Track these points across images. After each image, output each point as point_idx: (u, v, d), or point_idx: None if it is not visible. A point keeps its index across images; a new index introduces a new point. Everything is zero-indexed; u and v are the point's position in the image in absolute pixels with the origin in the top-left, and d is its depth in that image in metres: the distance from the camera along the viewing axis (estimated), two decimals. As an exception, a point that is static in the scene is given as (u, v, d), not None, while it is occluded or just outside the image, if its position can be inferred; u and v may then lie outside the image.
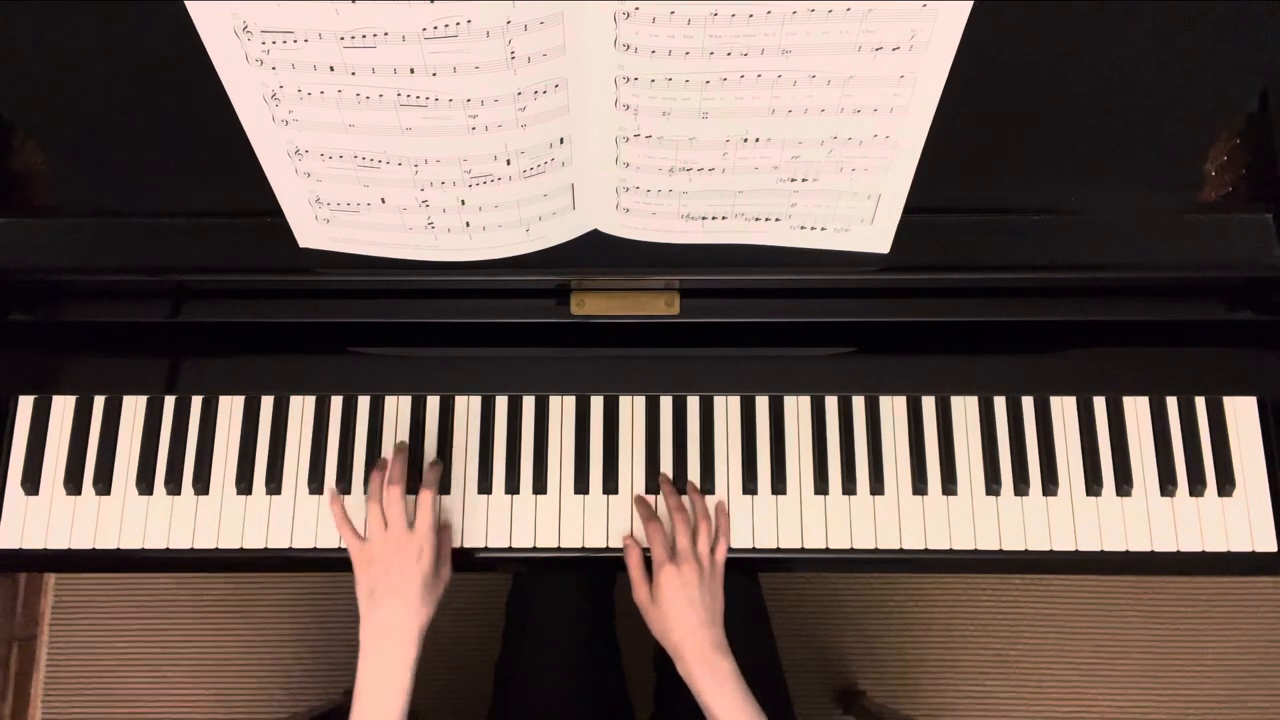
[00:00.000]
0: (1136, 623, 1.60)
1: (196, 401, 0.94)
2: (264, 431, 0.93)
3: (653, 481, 0.92)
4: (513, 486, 0.92)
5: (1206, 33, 0.76)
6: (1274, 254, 0.82)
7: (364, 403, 0.94)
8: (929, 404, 0.93)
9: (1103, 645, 1.59)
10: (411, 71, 0.63)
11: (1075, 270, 0.84)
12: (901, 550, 0.90)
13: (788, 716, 0.99)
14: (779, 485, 0.91)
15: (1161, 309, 0.89)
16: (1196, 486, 0.91)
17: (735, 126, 0.69)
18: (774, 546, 0.91)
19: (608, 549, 0.91)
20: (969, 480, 0.92)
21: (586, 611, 1.03)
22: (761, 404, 0.94)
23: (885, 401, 0.93)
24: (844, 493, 0.92)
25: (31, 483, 0.92)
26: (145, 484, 0.92)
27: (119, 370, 0.93)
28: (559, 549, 0.91)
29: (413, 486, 0.90)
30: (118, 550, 0.91)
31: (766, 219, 0.79)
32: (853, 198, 0.76)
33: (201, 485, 0.92)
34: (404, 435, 0.93)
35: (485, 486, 0.92)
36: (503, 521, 0.91)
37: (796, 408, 0.93)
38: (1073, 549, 0.90)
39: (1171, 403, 0.93)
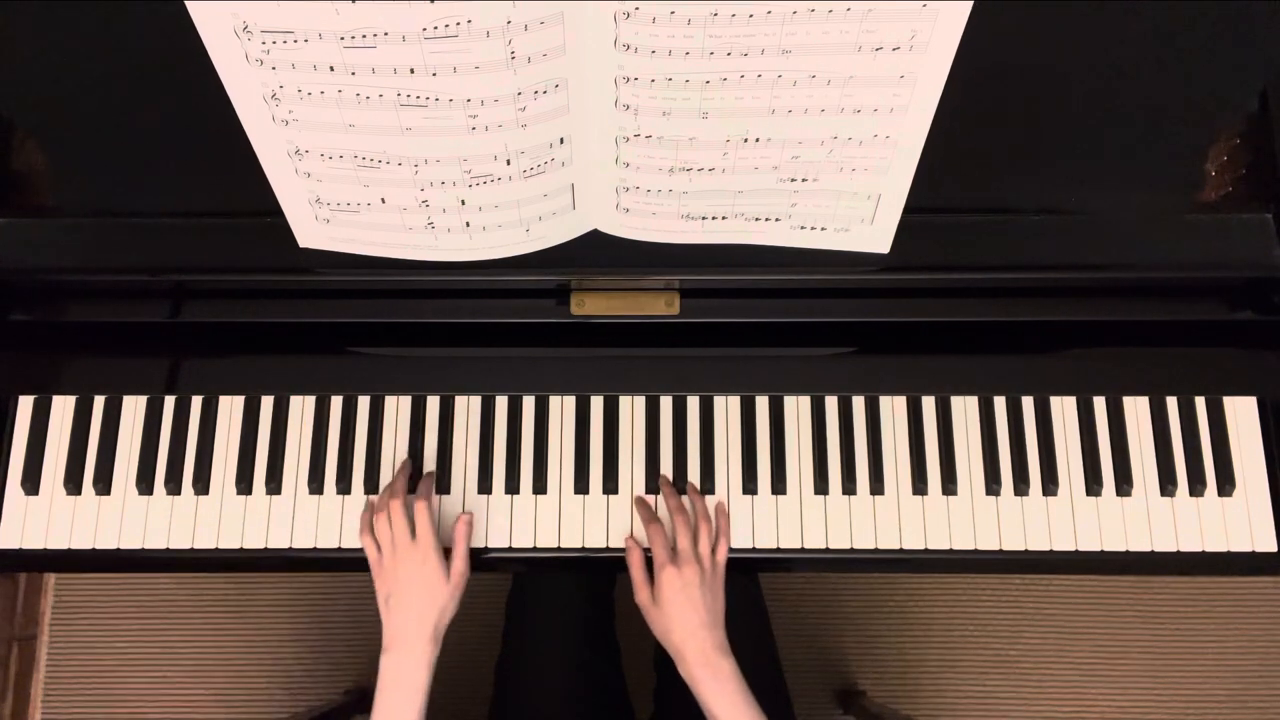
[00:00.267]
0: (1136, 623, 1.60)
1: (196, 401, 0.94)
2: (264, 431, 0.93)
3: (653, 482, 0.92)
4: (513, 486, 0.92)
5: (1206, 33, 0.76)
6: (1274, 254, 0.82)
7: (364, 403, 0.94)
8: (929, 404, 0.93)
9: (1103, 645, 1.59)
10: (411, 71, 0.63)
11: (1075, 270, 0.84)
12: (901, 550, 0.90)
13: (788, 716, 0.99)
14: (779, 485, 0.91)
15: (1161, 309, 0.89)
16: (1196, 486, 0.91)
17: (735, 126, 0.69)
18: (774, 546, 0.91)
19: (608, 549, 0.91)
20: (969, 480, 0.92)
21: (586, 612, 1.03)
22: (761, 404, 0.94)
23: (885, 401, 0.93)
24: (844, 493, 0.92)
25: (31, 483, 0.92)
26: (145, 484, 0.92)
27: (119, 370, 0.93)
28: (559, 549, 0.91)
29: (413, 488, 0.89)
30: (118, 550, 0.91)
31: (766, 219, 0.79)
32: (853, 198, 0.76)
33: (201, 485, 0.92)
34: (404, 435, 0.93)
35: (485, 486, 0.92)
36: (503, 521, 0.91)
37: (796, 408, 0.93)
38: (1073, 549, 0.90)
39: (1171, 403, 0.93)
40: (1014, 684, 1.58)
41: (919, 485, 0.91)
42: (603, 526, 0.91)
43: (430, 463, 0.92)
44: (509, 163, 0.71)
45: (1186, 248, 0.82)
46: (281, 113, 0.68)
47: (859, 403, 0.93)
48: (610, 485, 0.92)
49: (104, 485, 0.92)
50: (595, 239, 0.82)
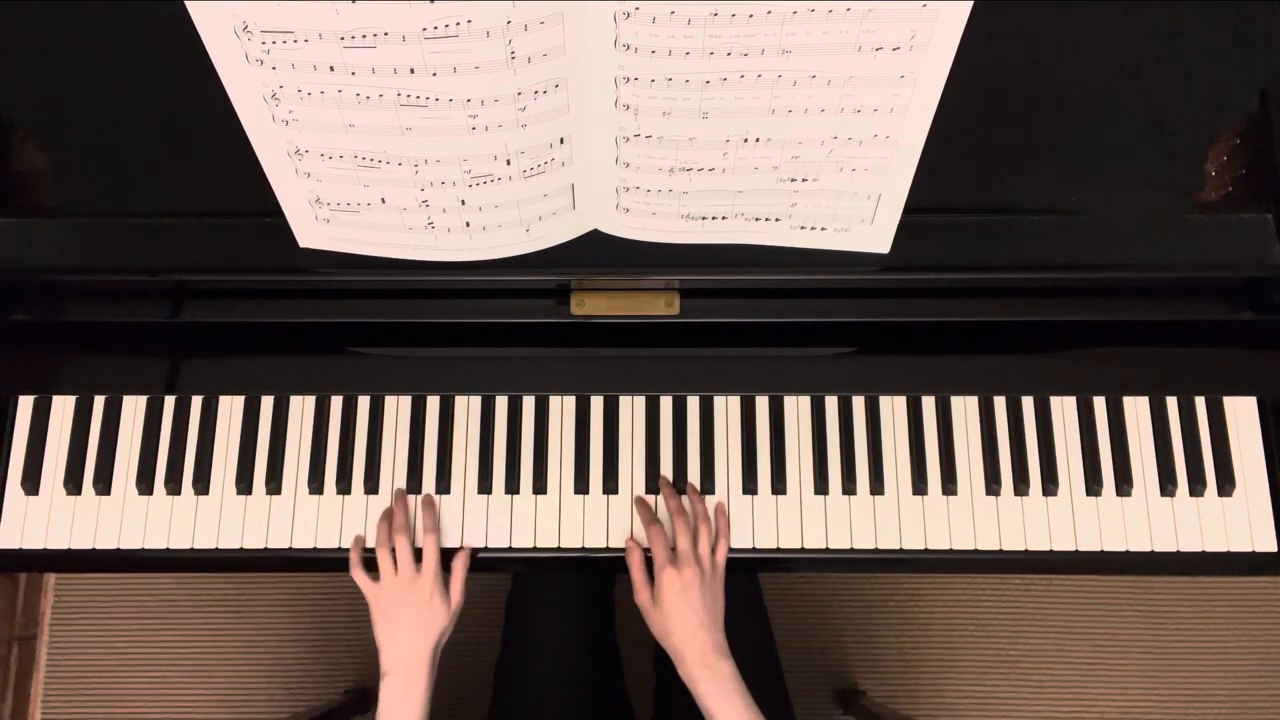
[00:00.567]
0: (1136, 623, 1.60)
1: (196, 401, 0.94)
2: (264, 431, 0.93)
3: (653, 482, 0.92)
4: (513, 486, 0.92)
5: (1206, 33, 0.76)
6: (1274, 254, 0.82)
7: (364, 403, 0.94)
8: (929, 404, 0.93)
9: (1103, 645, 1.59)
10: (411, 71, 0.63)
11: (1075, 270, 0.84)
12: (901, 550, 0.90)
13: (788, 717, 0.99)
14: (779, 485, 0.91)
15: (1161, 309, 0.89)
16: (1196, 486, 0.91)
17: (735, 126, 0.69)
18: (774, 546, 0.91)
19: (608, 549, 0.91)
20: (969, 480, 0.92)
21: (586, 612, 1.03)
22: (761, 404, 0.94)
23: (885, 401, 0.93)
24: (844, 493, 0.92)
25: (31, 483, 0.92)
26: (145, 484, 0.92)
27: (119, 370, 0.93)
28: (559, 549, 0.91)
29: (414, 488, 0.89)
30: (118, 550, 0.91)
31: (766, 219, 0.79)
32: (853, 198, 0.76)
33: (201, 485, 0.92)
34: (404, 435, 0.93)
35: (485, 486, 0.92)
36: (503, 521, 0.91)
37: (796, 408, 0.93)
38: (1073, 549, 0.90)
39: (1171, 403, 0.93)
40: (1014, 684, 1.58)
41: (919, 485, 0.91)
42: (603, 527, 0.91)
43: (430, 463, 0.92)
44: (509, 163, 0.71)
45: (1186, 248, 0.82)
46: (281, 113, 0.68)
47: (859, 403, 0.93)
48: (610, 485, 0.92)
49: (104, 485, 0.92)
50: (595, 239, 0.82)
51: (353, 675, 1.56)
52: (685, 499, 0.90)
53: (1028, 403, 0.93)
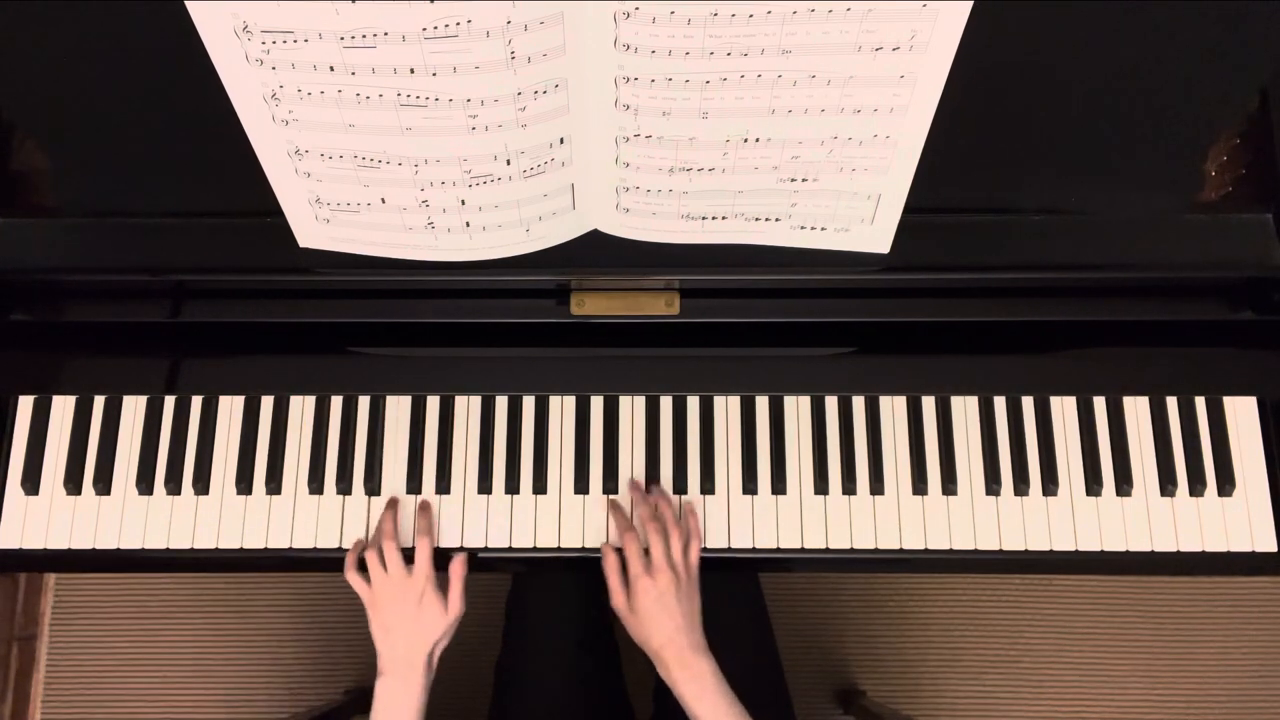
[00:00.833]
0: (1136, 623, 1.60)
1: (196, 401, 0.94)
2: (264, 431, 0.93)
3: (653, 482, 0.92)
4: (513, 486, 0.92)
5: (1206, 33, 0.76)
6: (1274, 254, 0.82)
7: (364, 403, 0.94)
8: (929, 404, 0.93)
9: (1103, 645, 1.59)
10: (411, 71, 0.63)
11: (1075, 270, 0.84)
12: (901, 550, 0.90)
13: (788, 716, 0.99)
14: (779, 485, 0.91)
15: (1161, 309, 0.89)
16: (1196, 486, 0.91)
17: (735, 126, 0.69)
18: (774, 546, 0.91)
19: (608, 549, 0.91)
20: (969, 480, 0.92)
21: (586, 612, 1.03)
22: (761, 404, 0.94)
23: (885, 401, 0.93)
24: (844, 493, 0.92)
25: (31, 483, 0.92)
26: (145, 484, 0.92)
27: (119, 370, 0.93)
28: (559, 549, 0.91)
29: (414, 487, 0.89)
30: (118, 550, 0.91)
31: (766, 219, 0.79)
32: (853, 198, 0.76)
33: (201, 485, 0.92)
34: (404, 435, 0.93)
35: (485, 486, 0.92)
36: (503, 522, 0.91)
37: (796, 408, 0.93)
38: (1073, 549, 0.90)
39: (1171, 403, 0.93)
40: (1014, 684, 1.58)
41: (919, 485, 0.91)
42: (602, 527, 0.91)
43: (430, 463, 0.92)
44: (509, 163, 0.71)
45: (1186, 248, 0.82)
46: (281, 113, 0.68)
47: (859, 403, 0.93)
48: (610, 485, 0.92)
49: (104, 485, 0.92)
50: (595, 239, 0.82)
51: (353, 675, 1.56)
52: (656, 499, 0.90)
53: (1028, 403, 0.93)
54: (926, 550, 0.90)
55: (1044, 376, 0.93)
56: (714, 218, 0.79)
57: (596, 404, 0.94)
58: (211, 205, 0.82)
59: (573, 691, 0.98)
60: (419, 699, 0.82)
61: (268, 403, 0.94)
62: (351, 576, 0.86)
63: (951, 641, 1.59)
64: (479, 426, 0.93)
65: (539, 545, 0.91)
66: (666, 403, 0.94)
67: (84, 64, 0.78)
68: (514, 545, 0.91)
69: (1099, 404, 0.93)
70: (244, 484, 0.92)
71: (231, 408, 0.94)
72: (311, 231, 0.80)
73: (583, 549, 0.91)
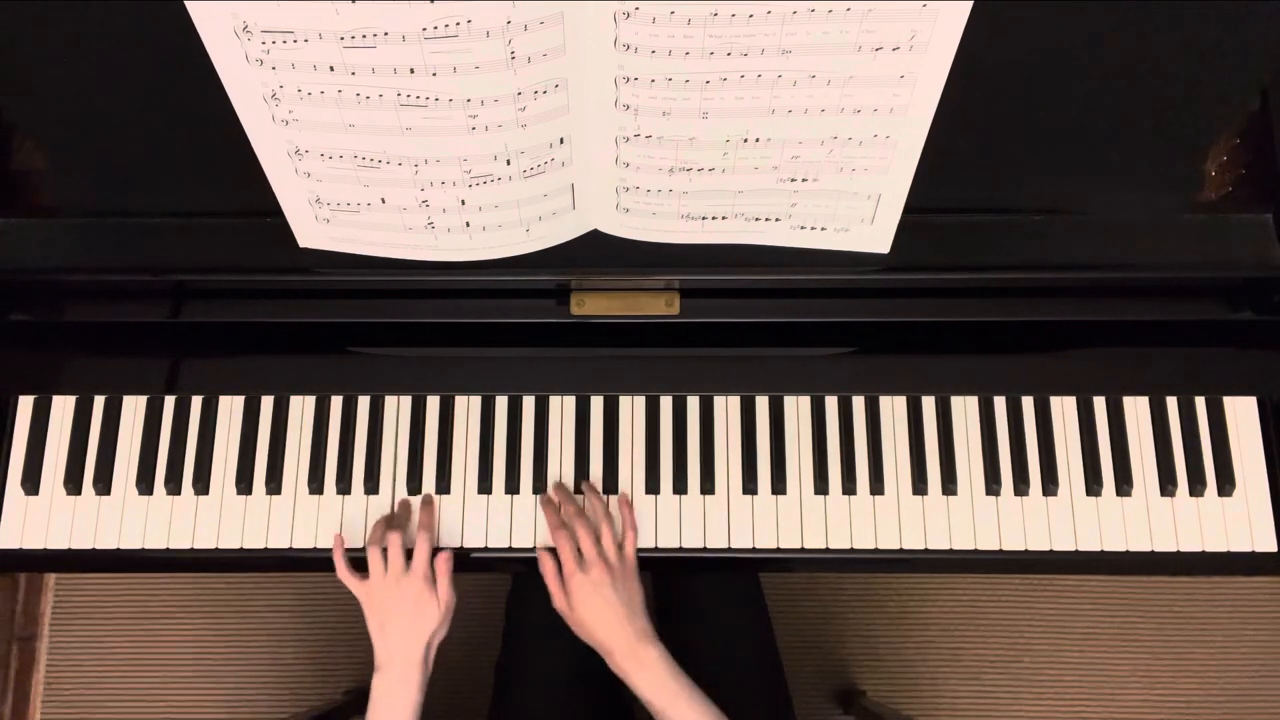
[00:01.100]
0: (1136, 623, 1.60)
1: (196, 401, 0.94)
2: (264, 431, 0.93)
3: (653, 481, 0.92)
4: (513, 486, 0.92)
5: (1207, 33, 0.76)
6: (1274, 254, 0.82)
7: (364, 403, 0.94)
8: (929, 404, 0.93)
9: (1103, 645, 1.59)
10: (411, 71, 0.63)
11: (1075, 270, 0.84)
12: (901, 550, 0.90)
13: (788, 716, 0.99)
14: (779, 485, 0.91)
15: (1161, 309, 0.89)
16: (1196, 487, 0.91)
17: (735, 126, 0.69)
18: (774, 546, 0.91)
19: (608, 549, 0.91)
20: (969, 480, 0.92)
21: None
22: (761, 404, 0.94)
23: (885, 401, 0.93)
24: (844, 493, 0.92)
25: (31, 483, 0.92)
26: (145, 484, 0.92)
27: (119, 370, 0.93)
28: (559, 549, 0.91)
29: (414, 488, 0.89)
30: (118, 550, 0.91)
31: (766, 219, 0.79)
32: (853, 198, 0.76)
33: (201, 485, 0.92)
34: (404, 435, 0.93)
35: (485, 486, 0.92)
36: (503, 521, 0.91)
37: (796, 408, 0.93)
38: (1073, 549, 0.90)
39: (1171, 403, 0.93)
40: (1014, 684, 1.58)
41: (919, 485, 0.91)
42: (603, 526, 0.91)
43: (430, 463, 0.92)
44: (509, 163, 0.71)
45: (1186, 248, 0.82)
46: (281, 113, 0.68)
47: (859, 403, 0.93)
48: (610, 485, 0.92)
49: (104, 485, 0.92)
50: (595, 239, 0.82)
51: (352, 675, 1.56)
52: (586, 497, 0.90)
53: (1028, 403, 0.93)
54: (926, 550, 0.90)
55: (1044, 376, 0.93)
56: (714, 218, 0.79)
57: (596, 404, 0.94)
58: (211, 205, 0.82)
59: (573, 691, 0.98)
60: (416, 695, 0.82)
61: (268, 403, 0.94)
62: (345, 576, 0.86)
63: (951, 641, 1.59)
64: (479, 426, 0.93)
65: (539, 545, 0.91)
66: (666, 403, 0.94)
67: (84, 64, 0.78)
68: (514, 545, 0.91)
69: (1099, 404, 0.93)
70: (244, 484, 0.92)
71: (231, 408, 0.94)
72: (311, 231, 0.80)
73: (583, 549, 0.91)
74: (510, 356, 0.93)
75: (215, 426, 0.93)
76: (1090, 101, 0.79)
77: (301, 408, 0.94)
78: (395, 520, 0.89)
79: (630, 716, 1.05)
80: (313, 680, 1.57)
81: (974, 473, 0.92)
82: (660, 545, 0.91)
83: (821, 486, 0.92)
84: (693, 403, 0.94)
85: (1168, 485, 0.91)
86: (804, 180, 0.75)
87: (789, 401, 0.93)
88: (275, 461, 0.92)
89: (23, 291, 0.90)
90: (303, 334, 0.92)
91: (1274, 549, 0.89)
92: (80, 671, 1.58)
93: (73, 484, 0.92)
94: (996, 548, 0.90)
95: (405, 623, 0.83)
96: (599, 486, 0.92)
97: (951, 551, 0.90)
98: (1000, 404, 0.93)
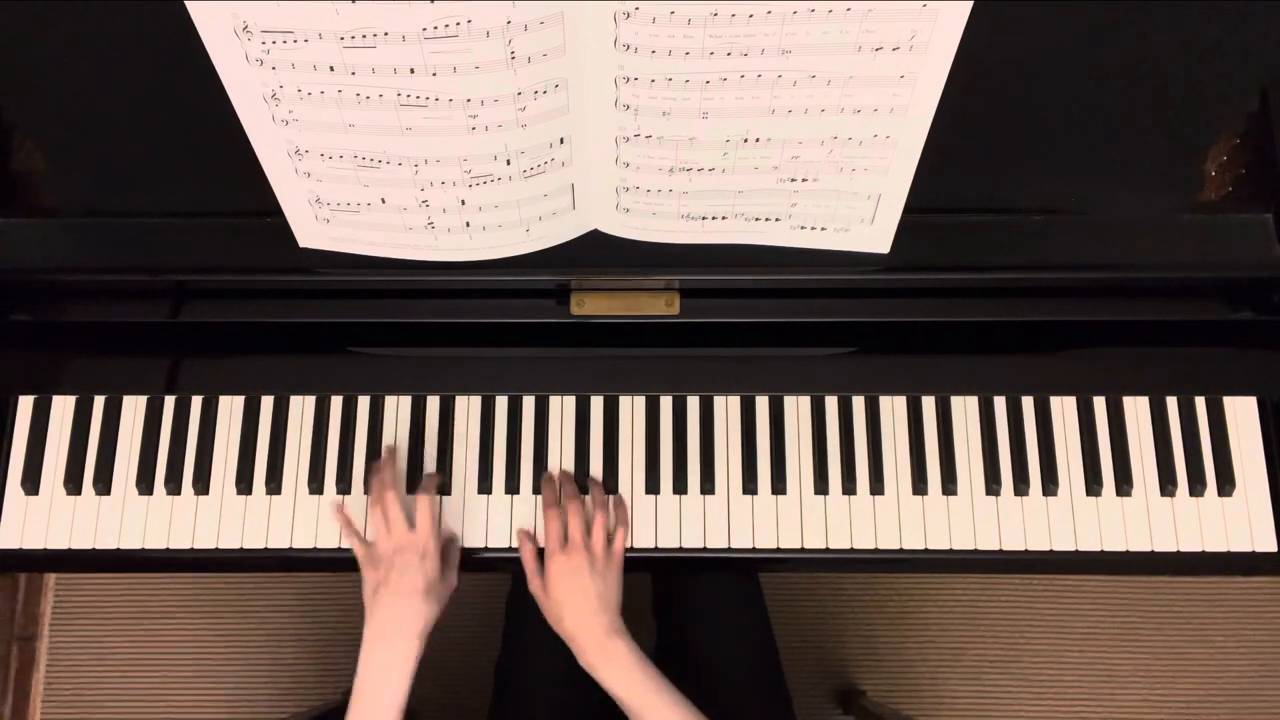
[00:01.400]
0: (1136, 623, 1.60)
1: (196, 401, 0.94)
2: (264, 431, 0.93)
3: (653, 481, 0.92)
4: (513, 486, 0.92)
5: (1206, 33, 0.76)
6: (1274, 254, 0.82)
7: (364, 403, 0.94)
8: (929, 404, 0.93)
9: (1103, 645, 1.59)
10: (411, 71, 0.63)
11: (1075, 270, 0.84)
12: (901, 550, 0.90)
13: (787, 716, 0.99)
14: (779, 485, 0.91)
15: (1161, 309, 0.89)
16: (1196, 486, 0.91)
17: (735, 126, 0.69)
18: (774, 546, 0.91)
19: (608, 549, 0.91)
20: (969, 480, 0.92)
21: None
22: (761, 404, 0.94)
23: (885, 401, 0.93)
24: (844, 493, 0.92)
25: (31, 483, 0.92)
26: (145, 484, 0.92)
27: (119, 370, 0.93)
28: (559, 549, 0.91)
29: (413, 488, 0.90)
30: (118, 550, 0.91)
31: (766, 219, 0.79)
32: (853, 198, 0.76)
33: (201, 485, 0.92)
34: (404, 435, 0.93)
35: (485, 486, 0.92)
36: (503, 521, 0.91)
37: (796, 408, 0.93)
38: (1073, 549, 0.90)
39: (1171, 403, 0.93)
40: (1014, 684, 1.58)
41: (919, 485, 0.91)
42: (603, 526, 0.91)
43: (430, 463, 0.92)
44: (509, 163, 0.71)
45: (1186, 248, 0.82)
46: (281, 113, 0.68)
47: (859, 403, 0.93)
48: (610, 485, 0.92)
49: (104, 485, 0.92)
50: (595, 239, 0.82)
51: (352, 675, 1.56)
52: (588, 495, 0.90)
53: (1028, 403, 0.93)
54: (926, 550, 0.90)
55: (1044, 376, 0.93)
56: (714, 218, 0.79)
57: (596, 404, 0.94)
58: (211, 205, 0.82)
59: (573, 692, 0.98)
60: (409, 674, 0.77)
61: (268, 403, 0.94)
62: (348, 535, 0.84)
63: (951, 641, 1.59)
64: (479, 426, 0.93)
65: (539, 545, 0.91)
66: (666, 403, 0.94)
67: (84, 64, 0.78)
68: (514, 545, 0.91)
69: (1099, 404, 0.93)
70: (244, 484, 0.92)
71: (231, 408, 0.94)
72: (311, 231, 0.80)
73: (583, 549, 0.91)
74: (510, 356, 0.93)
75: (215, 426, 0.93)
76: (1090, 101, 0.79)
77: (301, 408, 0.94)
78: (386, 476, 0.85)
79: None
80: (313, 680, 1.57)
81: (974, 473, 0.92)
82: (660, 545, 0.91)
83: (821, 486, 0.92)
84: (693, 403, 0.94)
85: (1168, 485, 0.91)
86: (804, 180, 0.75)
87: (789, 401, 0.93)
88: (275, 461, 0.92)
89: (23, 291, 0.90)
90: (303, 334, 0.92)
91: (1274, 549, 0.89)
92: (80, 671, 1.58)
93: (73, 484, 0.92)
94: (996, 548, 0.90)
95: (407, 588, 0.79)
96: (599, 485, 0.92)
97: (951, 551, 0.90)
98: (1000, 404, 0.93)
